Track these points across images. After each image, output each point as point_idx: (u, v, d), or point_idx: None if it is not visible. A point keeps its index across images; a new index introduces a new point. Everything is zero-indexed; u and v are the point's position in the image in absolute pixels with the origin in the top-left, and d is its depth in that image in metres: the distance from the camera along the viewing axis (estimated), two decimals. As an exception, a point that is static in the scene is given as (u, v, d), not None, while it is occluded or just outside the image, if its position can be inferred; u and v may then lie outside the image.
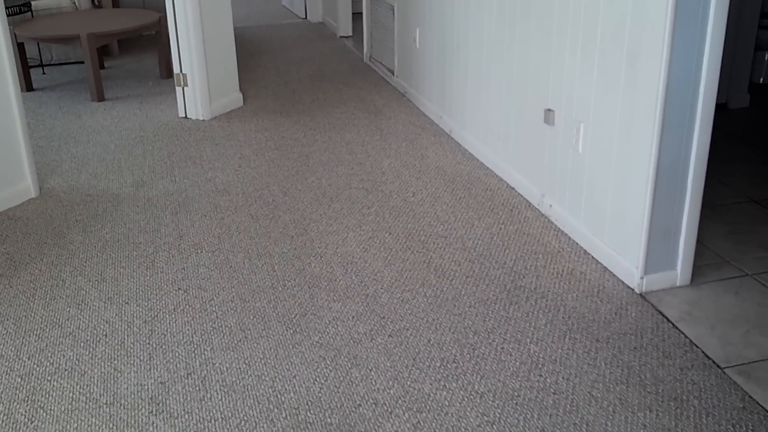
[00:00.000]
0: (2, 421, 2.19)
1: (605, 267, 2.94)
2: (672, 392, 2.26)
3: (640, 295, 2.76)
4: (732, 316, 2.63)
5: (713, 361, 2.39)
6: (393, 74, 5.46)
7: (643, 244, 2.72)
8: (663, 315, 2.64)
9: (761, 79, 5.32)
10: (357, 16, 7.35)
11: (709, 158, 2.74)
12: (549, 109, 3.26)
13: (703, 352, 2.44)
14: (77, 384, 2.35)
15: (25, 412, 2.23)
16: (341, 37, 7.14)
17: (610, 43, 2.78)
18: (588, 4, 2.88)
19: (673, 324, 2.59)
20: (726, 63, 4.64)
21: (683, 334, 2.53)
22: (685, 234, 2.75)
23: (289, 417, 2.18)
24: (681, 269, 2.80)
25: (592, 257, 3.01)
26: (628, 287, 2.80)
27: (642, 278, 2.76)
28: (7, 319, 2.69)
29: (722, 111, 4.76)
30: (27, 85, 5.52)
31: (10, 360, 2.47)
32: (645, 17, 2.56)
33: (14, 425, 2.17)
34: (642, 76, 2.61)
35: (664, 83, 2.51)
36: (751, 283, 2.83)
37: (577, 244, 3.12)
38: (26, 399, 2.28)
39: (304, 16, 8.14)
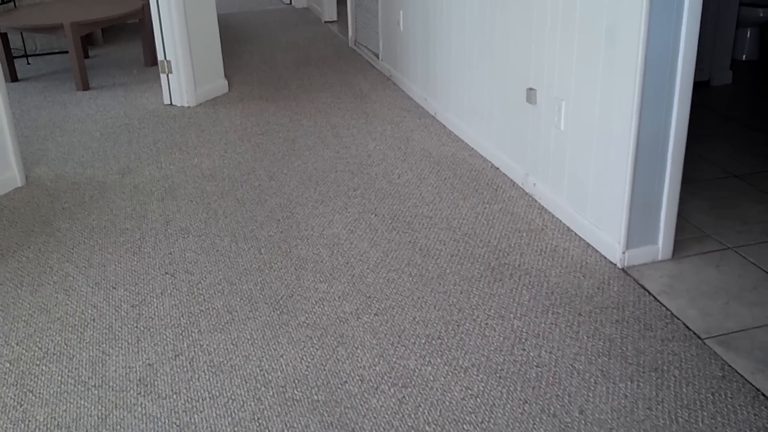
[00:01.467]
0: (-8, 405, 2.21)
1: (588, 243, 2.97)
2: (653, 363, 2.29)
3: (622, 269, 2.79)
4: (712, 289, 2.67)
5: (694, 332, 2.43)
6: (378, 58, 5.47)
7: (624, 220, 2.75)
8: (644, 288, 2.67)
9: (743, 56, 5.36)
10: (342, 1, 7.35)
11: (692, 135, 2.79)
12: (531, 88, 3.28)
13: (683, 323, 2.48)
14: (66, 368, 2.37)
15: (14, 396, 2.25)
16: (326, 22, 7.14)
17: (588, 21, 2.80)
18: (567, -18, 2.90)
19: (654, 297, 2.62)
20: (708, 40, 4.67)
21: (664, 306, 2.57)
22: (665, 208, 2.78)
23: (276, 395, 2.21)
24: (662, 243, 2.83)
25: (575, 234, 3.05)
26: (611, 262, 2.84)
27: (624, 253, 2.79)
28: (-5, 306, 2.71)
29: (705, 88, 4.79)
30: (12, 76, 5.51)
31: (-1, 346, 2.49)
32: (622, -6, 2.58)
33: (4, 409, 2.19)
34: (620, 52, 2.63)
35: (642, 59, 2.53)
36: (732, 256, 2.87)
37: (560, 221, 3.15)
38: (15, 383, 2.30)
39: (288, 2, 8.13)
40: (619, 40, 2.63)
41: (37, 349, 2.47)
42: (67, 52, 6.25)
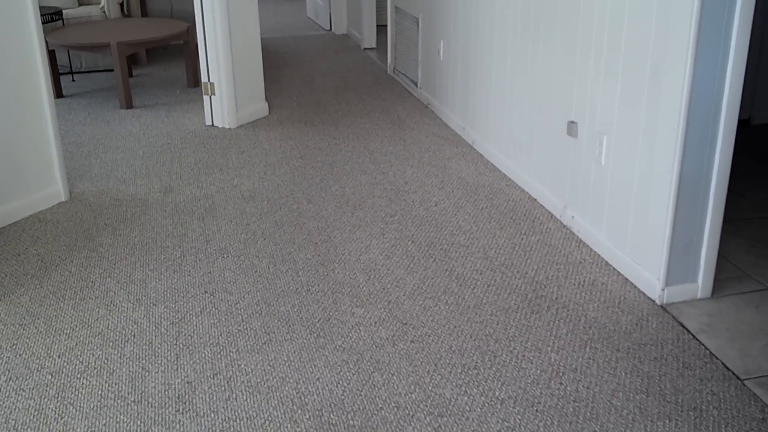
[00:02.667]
0: (33, 416, 2.25)
1: (626, 278, 2.96)
2: (691, 402, 2.27)
3: (661, 306, 2.78)
4: (752, 329, 2.64)
5: (733, 373, 2.41)
6: (416, 86, 5.51)
7: (664, 256, 2.74)
8: (683, 326, 2.66)
9: (785, 96, 5.31)
10: (381, 28, 7.43)
11: (732, 173, 2.77)
12: (572, 121, 3.29)
13: (722, 363, 2.46)
14: (106, 382, 2.41)
15: (55, 408, 2.29)
16: (365, 48, 7.21)
17: (633, 56, 2.81)
18: (612, 16, 2.92)
19: (693, 335, 2.60)
20: (749, 79, 4.66)
21: (703, 345, 2.55)
22: (706, 247, 2.77)
23: (312, 418, 2.23)
24: (702, 282, 2.81)
25: (614, 268, 3.04)
26: (649, 299, 2.82)
27: (663, 290, 2.78)
28: (38, 319, 2.76)
29: (745, 127, 4.76)
30: (57, 92, 5.63)
31: (41, 358, 2.53)
32: (669, 30, 2.59)
33: (44, 420, 2.23)
34: (665, 88, 2.64)
35: (687, 96, 2.54)
36: (773, 297, 2.84)
37: (598, 255, 3.15)
38: (56, 396, 2.34)
39: (329, 28, 8.23)
40: (663, 76, 2.64)
41: (78, 362, 2.51)
42: (111, 70, 6.38)
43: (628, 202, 2.93)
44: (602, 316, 2.72)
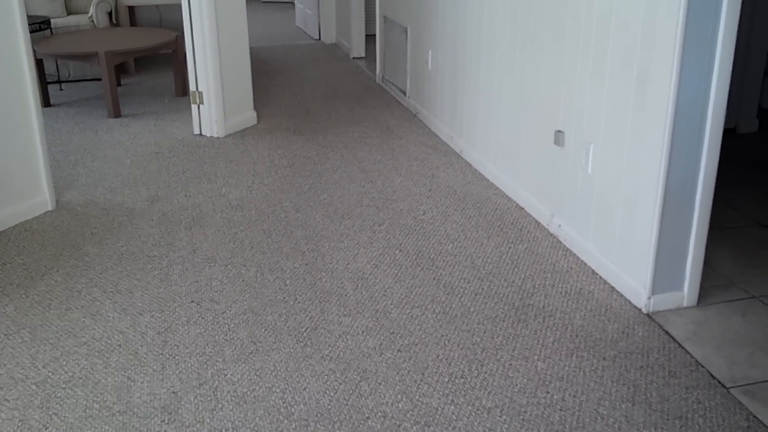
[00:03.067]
0: (18, 427, 2.23)
1: (613, 287, 2.97)
2: (677, 411, 2.28)
3: (647, 315, 2.78)
4: (738, 337, 2.65)
5: (719, 381, 2.42)
6: (405, 95, 5.52)
7: (650, 265, 2.75)
8: (669, 335, 2.66)
9: (771, 105, 5.36)
10: (370, 37, 7.44)
11: (718, 182, 2.78)
12: (559, 131, 3.31)
13: (708, 371, 2.46)
14: (91, 392, 2.39)
15: (40, 418, 2.27)
16: (354, 58, 7.22)
17: (619, 66, 2.83)
18: (599, 25, 2.94)
19: (679, 344, 2.61)
20: (735, 88, 4.69)
21: (689, 353, 2.56)
22: (692, 255, 2.78)
23: (298, 428, 2.22)
24: (688, 290, 2.82)
25: (600, 277, 3.05)
26: (636, 307, 2.83)
27: (649, 298, 2.79)
28: (23, 329, 2.74)
29: (731, 136, 4.79)
30: (45, 101, 5.61)
31: (26, 368, 2.52)
32: (655, 40, 2.61)
33: (29, 431, 2.21)
34: (651, 98, 2.66)
35: (673, 106, 2.55)
36: (758, 305, 2.85)
37: (585, 263, 3.16)
38: (41, 406, 2.33)
39: (317, 37, 8.24)
40: (650, 85, 2.66)
41: (63, 372, 2.50)
42: (99, 79, 6.37)
43: (615, 211, 2.94)
44: (589, 325, 2.73)
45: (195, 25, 4.59)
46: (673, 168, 2.64)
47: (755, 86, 4.78)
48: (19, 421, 2.26)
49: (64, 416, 2.28)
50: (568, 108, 3.22)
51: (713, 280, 3.02)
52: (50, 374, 2.49)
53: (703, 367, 2.49)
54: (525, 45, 3.58)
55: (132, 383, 2.43)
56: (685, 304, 2.84)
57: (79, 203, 3.87)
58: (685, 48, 2.49)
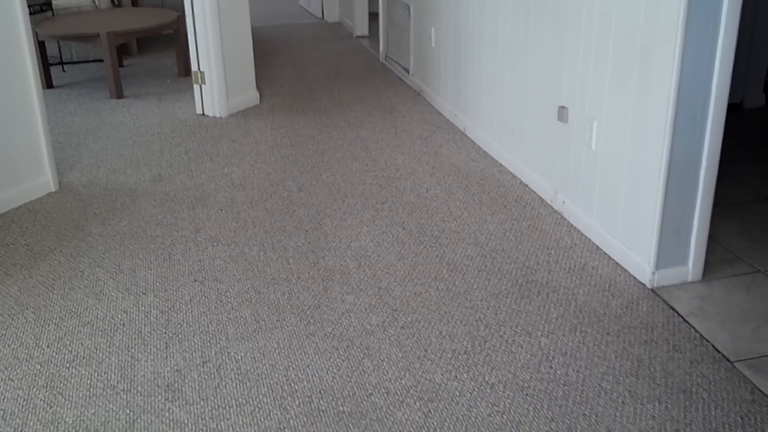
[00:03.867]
0: (22, 405, 2.24)
1: (617, 262, 2.96)
2: (681, 385, 2.27)
3: (652, 290, 2.77)
4: (743, 312, 2.64)
5: (723, 355, 2.41)
6: (408, 73, 5.49)
7: (654, 240, 2.74)
8: (674, 309, 2.65)
9: (777, 80, 5.31)
10: (373, 16, 7.39)
11: (724, 157, 2.76)
12: (563, 107, 3.28)
13: (713, 346, 2.46)
14: (95, 371, 2.40)
15: (44, 397, 2.28)
16: (357, 36, 7.18)
17: (623, 41, 2.80)
18: (602, 0, 2.91)
19: (683, 318, 2.60)
20: (741, 63, 4.65)
21: (694, 328, 2.55)
22: (696, 230, 2.77)
23: (302, 405, 2.22)
24: (692, 265, 2.81)
25: (604, 253, 3.03)
26: (640, 282, 2.82)
27: (653, 273, 2.77)
28: (27, 309, 2.75)
29: (737, 111, 4.75)
30: (47, 83, 5.60)
31: (30, 348, 2.52)
32: (658, 15, 2.58)
33: (34, 410, 2.22)
34: (655, 73, 2.63)
35: (677, 81, 2.52)
36: (763, 280, 2.84)
37: (589, 239, 3.14)
38: (45, 385, 2.33)
39: (321, 16, 8.20)
40: (653, 61, 2.63)
41: (67, 352, 2.50)
42: (101, 60, 6.35)
43: (619, 187, 2.93)
44: (593, 300, 2.72)
45: (196, 4, 4.55)
46: (676, 143, 2.62)
47: (762, 61, 4.73)
48: (24, 400, 2.27)
49: (68, 395, 2.29)
50: (572, 84, 3.20)
51: (718, 255, 3.01)
52: (54, 354, 2.49)
53: (707, 341, 2.48)
54: (529, 20, 3.54)
55: (135, 362, 2.44)
56: (689, 279, 2.83)
57: (82, 184, 3.87)
58: (688, 23, 2.46)
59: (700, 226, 2.76)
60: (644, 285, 2.80)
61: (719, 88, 2.56)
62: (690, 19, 2.46)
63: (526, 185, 3.70)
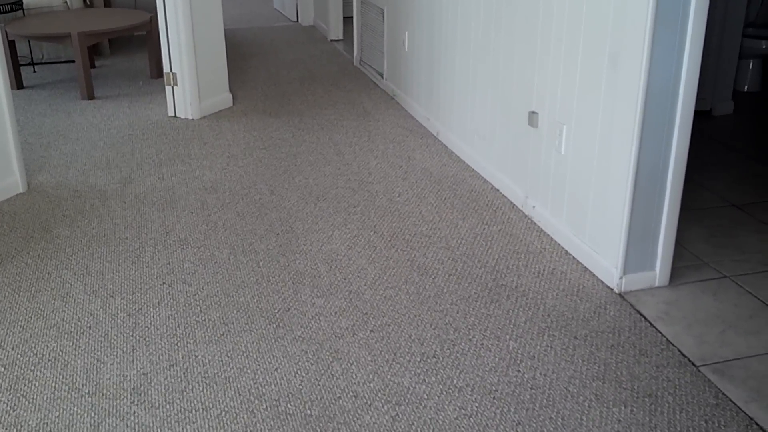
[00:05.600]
0: (-15, 409, 2.21)
1: (585, 267, 2.98)
2: (647, 389, 2.29)
3: (619, 294, 2.80)
4: (709, 316, 2.67)
5: (689, 359, 2.43)
6: (382, 77, 5.50)
7: (622, 245, 2.76)
8: (641, 314, 2.68)
9: (745, 87, 5.39)
10: (348, 20, 7.40)
11: (692, 163, 2.80)
12: (533, 111, 3.30)
13: (679, 350, 2.48)
14: (60, 374, 2.37)
15: (8, 400, 2.25)
16: (332, 40, 7.18)
17: (592, 46, 2.82)
18: (571, 6, 2.93)
19: (650, 323, 2.63)
20: (710, 70, 4.71)
21: (660, 332, 2.57)
22: (664, 235, 2.79)
23: (269, 408, 2.21)
24: (660, 270, 2.84)
25: (573, 257, 3.05)
26: (608, 287, 2.84)
27: (621, 278, 2.80)
28: (-8, 311, 2.72)
29: (706, 118, 4.81)
30: (17, 83, 5.54)
31: (-6, 350, 2.49)
32: (625, 20, 2.61)
33: (-4, 413, 2.19)
34: (623, 78, 2.66)
35: (644, 86, 2.55)
36: (729, 285, 2.87)
37: (558, 244, 3.16)
38: (9, 388, 2.30)
39: (295, 20, 8.19)
40: (621, 66, 2.66)
41: (32, 354, 2.47)
42: (73, 61, 6.29)
43: (587, 191, 2.95)
44: (561, 305, 2.73)
45: (168, 4, 4.53)
46: (644, 149, 2.64)
47: (730, 68, 4.80)
48: (-13, 403, 2.24)
49: (33, 398, 2.26)
50: (542, 89, 3.22)
51: (685, 260, 3.04)
52: (19, 356, 2.46)
53: (673, 345, 2.51)
54: (500, 25, 3.56)
55: (102, 365, 2.42)
56: (656, 284, 2.85)
57: (51, 185, 3.82)
58: (655, 28, 2.49)
59: (667, 231, 2.79)
60: (612, 289, 2.82)
61: (686, 93, 2.59)
62: (657, 24, 2.48)
63: (498, 190, 3.71)
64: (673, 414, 2.19)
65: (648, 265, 2.83)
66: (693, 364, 2.41)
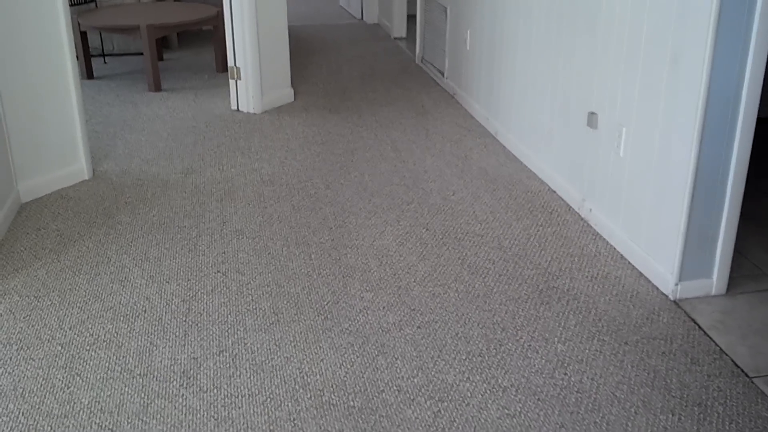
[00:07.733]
0: (40, 385, 2.29)
1: (640, 272, 2.93)
2: (697, 398, 2.25)
3: (674, 301, 2.74)
4: (765, 327, 2.60)
5: (742, 370, 2.37)
6: (443, 75, 5.49)
7: (679, 251, 2.71)
8: (695, 322, 2.62)
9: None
10: (412, 18, 7.41)
11: (753, 172, 2.72)
12: (592, 112, 3.26)
13: (732, 360, 2.42)
14: (114, 355, 2.44)
15: (63, 378, 2.33)
16: (395, 38, 7.20)
17: (653, 47, 2.77)
18: (633, 7, 2.88)
19: (704, 331, 2.57)
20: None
21: (714, 341, 2.51)
22: (722, 242, 2.73)
23: (313, 398, 2.24)
24: (717, 278, 2.77)
25: (628, 262, 3.01)
26: (662, 293, 2.79)
27: (677, 285, 2.74)
28: (53, 291, 2.81)
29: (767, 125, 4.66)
30: (88, 73, 5.71)
31: (53, 329, 2.58)
32: (688, 22, 2.55)
33: (51, 390, 2.27)
34: (684, 80, 2.60)
35: (706, 88, 2.50)
36: (789, 296, 2.79)
37: (614, 248, 3.12)
38: (65, 366, 2.38)
39: (360, 17, 8.23)
40: (683, 67, 2.60)
41: (88, 335, 2.55)
42: (142, 53, 6.45)
43: (645, 195, 2.90)
44: (613, 309, 2.69)
45: (234, 0, 4.61)
46: (704, 153, 2.58)
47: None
48: (43, 379, 2.32)
49: (86, 377, 2.33)
50: (602, 89, 3.18)
51: (744, 270, 2.96)
52: (75, 336, 2.54)
53: (726, 355, 2.45)
54: (561, 26, 3.53)
55: (154, 348, 2.48)
56: (713, 292, 2.79)
57: (115, 173, 3.93)
58: (718, 30, 2.43)
59: (726, 238, 2.72)
60: (666, 296, 2.77)
61: (749, 96, 2.53)
62: (721, 25, 2.42)
63: (554, 191, 3.68)
64: (722, 424, 2.14)
65: (705, 272, 2.76)
66: (746, 375, 2.35)
